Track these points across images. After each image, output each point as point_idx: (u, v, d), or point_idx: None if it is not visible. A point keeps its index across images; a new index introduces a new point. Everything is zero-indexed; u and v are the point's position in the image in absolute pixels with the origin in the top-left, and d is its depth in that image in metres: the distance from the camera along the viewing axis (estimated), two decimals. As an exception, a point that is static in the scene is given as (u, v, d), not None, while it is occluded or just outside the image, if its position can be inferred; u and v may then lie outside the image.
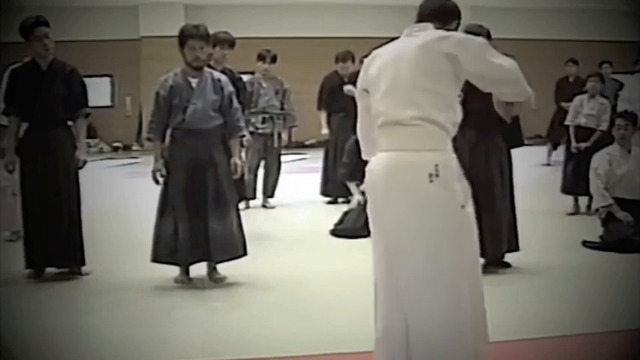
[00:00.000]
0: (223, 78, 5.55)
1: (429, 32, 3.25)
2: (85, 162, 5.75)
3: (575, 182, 8.17)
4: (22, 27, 5.51)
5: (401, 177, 3.14)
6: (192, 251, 5.32)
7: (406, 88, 3.17)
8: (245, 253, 5.49)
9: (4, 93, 5.69)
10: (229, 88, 5.51)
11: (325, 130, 9.18)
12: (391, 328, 3.18)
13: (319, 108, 9.31)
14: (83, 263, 5.69)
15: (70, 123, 5.76)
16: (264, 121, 8.76)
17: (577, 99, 8.59)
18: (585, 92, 8.57)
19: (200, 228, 5.29)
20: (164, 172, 5.36)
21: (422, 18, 3.36)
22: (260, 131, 8.70)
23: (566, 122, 8.59)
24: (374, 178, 3.24)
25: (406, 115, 3.14)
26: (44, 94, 5.54)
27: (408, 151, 3.16)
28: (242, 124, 5.61)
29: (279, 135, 8.85)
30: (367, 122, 3.38)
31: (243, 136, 5.67)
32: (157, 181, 5.41)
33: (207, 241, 5.30)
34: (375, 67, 3.28)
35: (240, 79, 6.97)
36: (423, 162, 3.12)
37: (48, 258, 5.61)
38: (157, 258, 5.41)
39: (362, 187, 3.34)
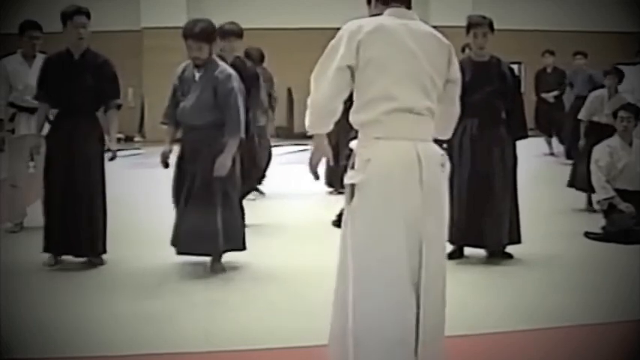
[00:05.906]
0: (222, 76, 5.36)
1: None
2: (115, 155, 5.79)
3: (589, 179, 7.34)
4: (63, 13, 5.55)
5: (425, 167, 3.10)
6: (193, 244, 5.33)
7: (424, 78, 3.14)
8: (244, 247, 5.55)
9: (38, 79, 5.74)
10: (227, 86, 5.32)
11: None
12: (403, 321, 3.06)
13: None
14: (104, 251, 5.71)
15: (97, 114, 5.74)
16: None
17: (594, 96, 8.28)
18: (602, 87, 8.43)
19: (208, 220, 5.29)
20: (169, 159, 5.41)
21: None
22: None
23: (580, 117, 8.29)
24: (389, 168, 3.09)
25: (423, 104, 3.14)
26: (73, 83, 5.56)
27: (424, 142, 3.16)
28: (238, 125, 5.34)
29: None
30: (338, 96, 3.18)
31: (240, 138, 5.40)
32: (165, 165, 5.49)
33: (215, 233, 5.31)
34: (377, 47, 3.10)
35: (252, 70, 6.72)
36: (436, 152, 3.19)
37: (67, 246, 5.62)
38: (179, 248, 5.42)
39: (357, 178, 3.17)
